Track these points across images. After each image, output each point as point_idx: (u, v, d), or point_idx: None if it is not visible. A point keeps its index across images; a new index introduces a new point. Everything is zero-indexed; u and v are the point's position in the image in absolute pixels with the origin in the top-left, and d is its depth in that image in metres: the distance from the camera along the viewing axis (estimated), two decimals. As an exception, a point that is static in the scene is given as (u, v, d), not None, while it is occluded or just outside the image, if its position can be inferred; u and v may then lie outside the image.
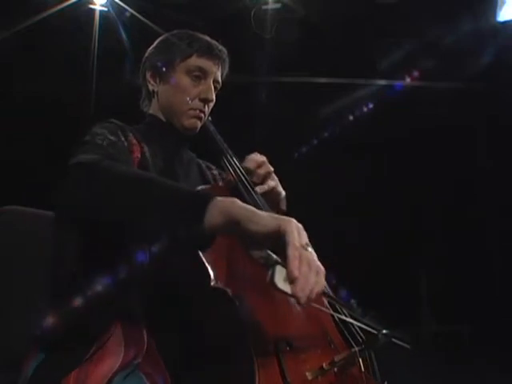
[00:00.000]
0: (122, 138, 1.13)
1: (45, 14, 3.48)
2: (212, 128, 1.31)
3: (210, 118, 1.33)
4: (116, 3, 3.70)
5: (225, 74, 1.33)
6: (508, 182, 4.53)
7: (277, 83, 4.41)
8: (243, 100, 4.35)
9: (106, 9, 3.76)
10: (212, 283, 0.85)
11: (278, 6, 3.80)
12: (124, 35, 3.73)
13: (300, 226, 0.82)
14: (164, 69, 1.25)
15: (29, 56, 3.84)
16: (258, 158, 1.25)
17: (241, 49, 3.95)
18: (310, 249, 0.82)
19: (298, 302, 0.76)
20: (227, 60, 1.32)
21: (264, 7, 3.80)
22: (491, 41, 3.86)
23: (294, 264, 0.75)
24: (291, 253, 0.76)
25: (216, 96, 1.31)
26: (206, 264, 0.86)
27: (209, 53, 1.25)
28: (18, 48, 3.69)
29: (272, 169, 1.26)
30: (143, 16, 3.59)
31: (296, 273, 0.75)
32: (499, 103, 4.36)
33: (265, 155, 1.30)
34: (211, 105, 1.29)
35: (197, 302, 0.89)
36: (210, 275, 0.85)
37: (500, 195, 4.82)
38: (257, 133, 4.08)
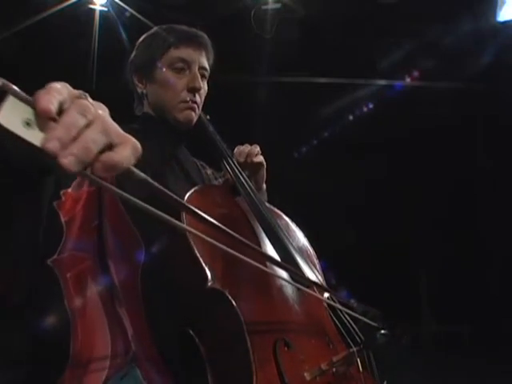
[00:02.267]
0: None
1: (45, 14, 3.48)
2: (211, 128, 1.30)
3: (208, 117, 1.32)
4: (116, 3, 3.71)
5: (211, 59, 1.30)
6: (508, 182, 4.53)
7: (277, 83, 4.41)
8: (243, 100, 4.36)
9: (106, 9, 3.77)
10: (209, 283, 0.85)
11: (278, 6, 3.81)
12: (124, 35, 3.74)
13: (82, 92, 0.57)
14: (147, 69, 1.24)
15: (29, 56, 3.84)
16: (243, 149, 1.26)
17: (241, 49, 3.97)
18: (101, 112, 0.55)
19: (61, 166, 0.48)
20: (209, 44, 1.28)
21: (264, 7, 3.81)
22: (491, 41, 3.86)
23: (43, 99, 0.48)
24: (41, 94, 0.49)
25: (208, 85, 1.28)
26: (204, 264, 0.86)
27: (186, 41, 1.23)
28: (18, 48, 3.70)
29: (259, 160, 1.27)
30: (143, 16, 3.60)
31: (48, 105, 0.48)
32: (499, 103, 4.37)
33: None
34: (203, 93, 1.26)
35: (194, 303, 0.89)
36: (207, 276, 0.85)
37: (500, 195, 4.82)
38: (257, 133, 4.08)
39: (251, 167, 1.26)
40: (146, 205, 0.55)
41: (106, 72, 3.95)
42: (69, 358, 0.91)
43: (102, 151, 0.52)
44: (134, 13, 3.68)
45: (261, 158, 1.28)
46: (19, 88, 0.49)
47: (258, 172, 1.29)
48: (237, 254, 0.66)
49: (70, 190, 0.92)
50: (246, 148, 1.27)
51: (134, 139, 0.56)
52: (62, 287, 0.92)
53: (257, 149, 1.28)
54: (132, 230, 0.95)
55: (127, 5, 3.69)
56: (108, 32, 3.79)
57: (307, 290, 0.92)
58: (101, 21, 3.80)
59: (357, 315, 0.94)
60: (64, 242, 0.93)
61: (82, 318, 0.93)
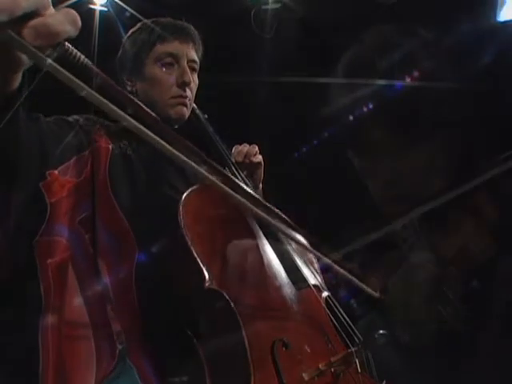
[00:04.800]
0: (82, 123, 1.10)
1: (45, 14, 3.48)
2: (210, 128, 1.30)
3: (206, 116, 1.31)
4: (116, 3, 3.70)
5: (201, 51, 1.27)
6: (508, 182, 4.53)
7: (277, 83, 4.40)
8: (243, 100, 4.35)
9: (105, 9, 3.76)
10: (207, 284, 0.84)
11: (278, 5, 3.80)
12: (124, 35, 3.73)
13: None
14: (135, 66, 1.22)
15: (28, 56, 3.83)
16: (242, 148, 1.26)
17: (241, 49, 3.96)
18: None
19: None
20: (197, 35, 1.26)
21: (264, 7, 3.81)
22: (491, 41, 3.86)
23: None
24: None
25: (199, 77, 1.27)
26: (202, 265, 0.86)
27: (172, 35, 1.21)
28: (18, 48, 3.69)
29: (257, 159, 1.27)
30: (143, 16, 3.59)
31: None
32: (499, 103, 4.36)
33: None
34: (193, 87, 1.24)
35: (192, 303, 0.88)
36: (205, 276, 0.85)
37: (500, 195, 4.81)
38: (256, 133, 4.08)
39: (249, 167, 1.27)
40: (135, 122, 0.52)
41: (106, 72, 3.94)
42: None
43: (32, 17, 0.47)
44: (134, 13, 3.67)
45: (259, 158, 1.29)
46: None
47: (256, 172, 1.30)
48: (233, 192, 0.64)
49: (56, 171, 0.91)
50: (245, 148, 1.27)
51: (73, 11, 0.51)
52: (39, 271, 0.90)
53: (255, 149, 1.28)
54: (126, 227, 0.95)
55: (127, 5, 3.69)
56: (108, 32, 3.79)
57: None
58: (101, 21, 3.80)
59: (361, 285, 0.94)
60: (47, 223, 0.91)
61: (60, 311, 0.90)
